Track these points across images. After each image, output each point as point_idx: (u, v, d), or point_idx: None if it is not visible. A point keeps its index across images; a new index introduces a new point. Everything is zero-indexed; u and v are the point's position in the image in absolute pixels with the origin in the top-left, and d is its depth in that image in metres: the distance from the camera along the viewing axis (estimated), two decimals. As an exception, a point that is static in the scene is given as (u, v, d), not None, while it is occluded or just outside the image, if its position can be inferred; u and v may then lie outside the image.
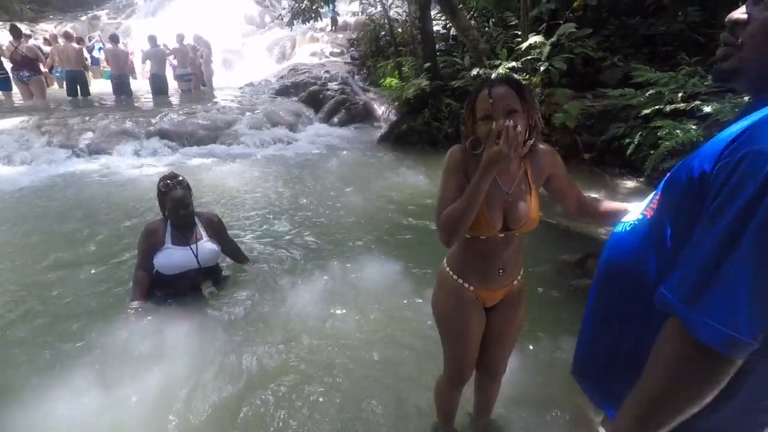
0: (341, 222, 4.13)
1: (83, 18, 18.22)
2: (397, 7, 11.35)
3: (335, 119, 9.28)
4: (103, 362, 2.24)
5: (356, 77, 11.65)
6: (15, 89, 8.48)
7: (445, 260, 1.49)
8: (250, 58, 17.10)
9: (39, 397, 2.01)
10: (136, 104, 8.72)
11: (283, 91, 10.34)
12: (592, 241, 3.51)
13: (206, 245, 2.73)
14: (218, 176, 5.70)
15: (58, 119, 6.73)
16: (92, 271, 3.15)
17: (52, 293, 2.87)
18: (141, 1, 20.35)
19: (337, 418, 1.92)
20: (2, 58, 8.21)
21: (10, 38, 8.15)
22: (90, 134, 6.44)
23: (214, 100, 9.50)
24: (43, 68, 8.65)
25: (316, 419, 1.91)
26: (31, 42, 9.30)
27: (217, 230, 2.88)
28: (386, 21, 10.57)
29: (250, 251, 3.33)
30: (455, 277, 1.43)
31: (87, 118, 6.88)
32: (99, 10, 19.67)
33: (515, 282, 1.47)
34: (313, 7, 8.89)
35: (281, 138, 7.62)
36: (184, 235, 2.69)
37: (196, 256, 2.68)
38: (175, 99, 9.62)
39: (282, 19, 10.23)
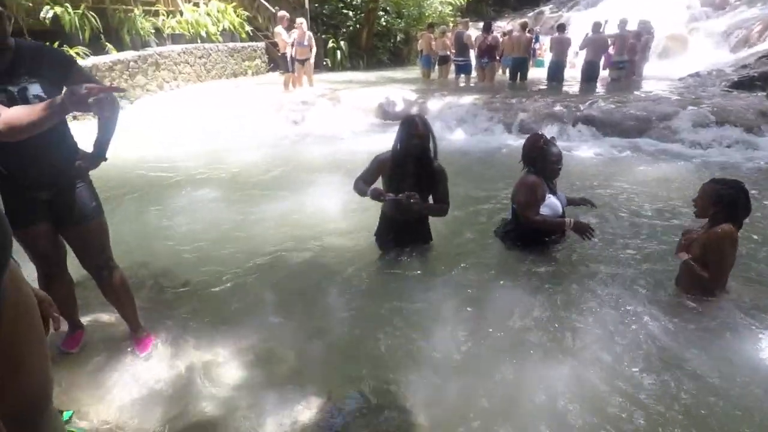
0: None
1: (530, 14, 20.34)
2: None
3: (828, 125, 6.50)
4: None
5: None
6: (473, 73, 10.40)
7: None
8: (695, 46, 14.51)
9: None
10: (565, 90, 8.96)
11: (744, 84, 8.09)
12: None
13: (562, 195, 3.01)
14: (637, 172, 5.04)
15: (502, 99, 7.69)
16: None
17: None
18: (585, -6, 20.73)
19: None
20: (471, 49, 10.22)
21: (481, 31, 9.92)
22: (523, 114, 7.03)
23: (647, 89, 8.53)
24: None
25: None
26: (492, 36, 11.03)
27: None
28: None
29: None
30: None
31: (523, 99, 7.55)
32: (544, 6, 21.41)
33: None
34: None
35: (733, 141, 5.98)
36: (550, 187, 2.92)
37: (562, 205, 2.93)
38: (602, 87, 9.27)
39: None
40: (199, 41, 10.97)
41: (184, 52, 10.33)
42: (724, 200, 2.23)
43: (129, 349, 2.12)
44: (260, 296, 2.59)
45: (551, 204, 2.85)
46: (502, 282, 2.69)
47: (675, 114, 6.53)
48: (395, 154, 2.68)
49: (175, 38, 10.54)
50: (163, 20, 10.36)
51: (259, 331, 2.30)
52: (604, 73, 9.93)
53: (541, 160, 2.85)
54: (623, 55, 9.53)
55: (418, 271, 2.85)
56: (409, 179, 2.63)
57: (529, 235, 2.97)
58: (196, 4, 11.43)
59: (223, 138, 6.85)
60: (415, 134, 2.60)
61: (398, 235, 2.97)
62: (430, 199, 2.84)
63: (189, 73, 10.48)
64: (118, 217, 3.76)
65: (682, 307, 2.38)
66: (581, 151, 5.85)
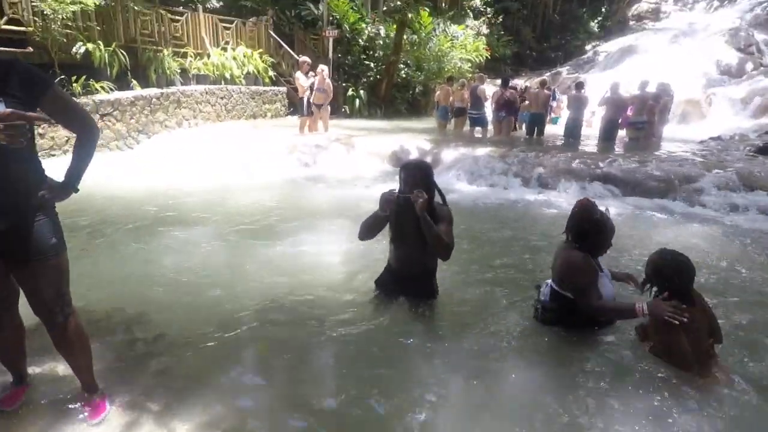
0: None
1: (547, 74, 20.77)
2: None
3: None
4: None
5: None
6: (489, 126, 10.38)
7: None
8: (714, 110, 14.50)
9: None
10: (582, 147, 8.82)
11: (770, 150, 7.86)
12: None
13: (606, 270, 2.59)
14: (664, 236, 4.72)
15: (518, 152, 7.56)
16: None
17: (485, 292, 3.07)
18: (601, 58, 21.21)
19: None
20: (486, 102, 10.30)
21: (499, 85, 10.01)
22: (540, 169, 6.85)
23: (667, 151, 8.34)
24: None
25: None
26: (510, 91, 11.12)
27: None
28: None
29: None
30: None
31: (540, 154, 7.40)
32: (561, 67, 21.91)
33: None
34: None
35: (761, 206, 5.68)
36: (598, 263, 2.52)
37: (612, 284, 2.54)
38: (619, 146, 9.12)
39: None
40: (222, 83, 11.26)
41: (206, 92, 10.58)
42: (662, 273, 2.21)
43: (78, 413, 1.82)
44: (241, 355, 2.30)
45: (604, 284, 2.44)
46: (518, 359, 2.34)
47: (700, 177, 6.27)
48: (398, 196, 2.58)
49: (200, 78, 10.84)
50: (191, 61, 10.70)
51: (235, 399, 1.98)
52: (621, 133, 9.82)
53: (594, 234, 2.42)
54: (642, 115, 9.43)
55: (422, 334, 2.54)
56: (412, 221, 2.53)
57: (582, 320, 2.47)
58: (224, 49, 11.85)
59: (233, 176, 6.76)
60: (410, 181, 2.55)
61: (401, 287, 2.81)
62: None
63: (209, 112, 10.68)
64: (102, 253, 3.56)
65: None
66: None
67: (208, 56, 11.29)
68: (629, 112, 9.70)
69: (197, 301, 2.83)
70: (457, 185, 6.79)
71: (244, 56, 12.05)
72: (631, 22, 23.90)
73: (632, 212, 5.62)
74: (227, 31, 12.11)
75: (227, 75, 11.36)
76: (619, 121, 9.55)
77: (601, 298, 2.38)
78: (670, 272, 2.18)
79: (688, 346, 2.12)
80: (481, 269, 3.53)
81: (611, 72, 17.72)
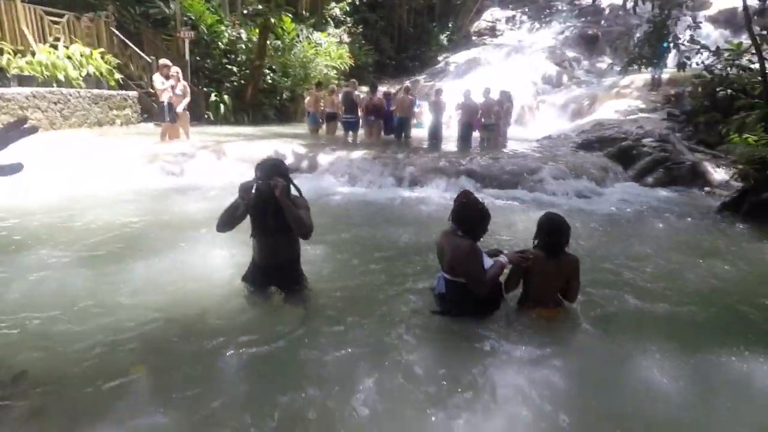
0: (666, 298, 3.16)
1: (407, 82, 22.30)
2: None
3: (649, 179, 7.99)
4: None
5: (677, 135, 9.88)
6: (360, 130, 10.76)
7: None
8: (542, 114, 17.25)
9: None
10: (445, 147, 9.69)
11: (586, 146, 9.61)
12: None
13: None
14: (522, 219, 5.51)
15: (390, 154, 7.99)
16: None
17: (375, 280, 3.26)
18: (452, 68, 23.52)
19: None
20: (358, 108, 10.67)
21: (367, 91, 10.44)
22: (411, 168, 7.35)
23: (513, 149, 9.65)
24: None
25: None
26: (377, 97, 11.68)
27: None
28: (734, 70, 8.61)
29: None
30: None
31: (410, 155, 7.94)
32: (419, 75, 23.71)
33: None
34: (654, 61, 8.40)
35: (585, 191, 6.96)
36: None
37: (490, 260, 2.81)
38: (476, 146, 10.26)
39: (612, 67, 10.14)
40: (55, 85, 9.66)
41: (34, 96, 8.96)
42: (542, 228, 2.75)
43: None
44: (124, 383, 2.05)
45: (486, 262, 2.70)
46: (414, 346, 2.51)
47: (540, 169, 7.41)
48: (258, 183, 2.56)
49: (24, 80, 9.14)
50: (9, 59, 8.96)
51: None
52: (475, 134, 11.04)
53: (479, 222, 2.69)
54: (491, 118, 10.75)
55: (311, 334, 2.56)
56: (271, 210, 2.59)
57: (481, 304, 2.75)
58: (54, 46, 10.19)
59: (80, 190, 5.87)
60: (266, 178, 2.52)
61: (268, 278, 2.82)
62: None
63: (39, 119, 9.06)
64: None
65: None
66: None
67: (33, 54, 9.60)
68: (480, 116, 10.98)
69: (57, 333, 2.42)
70: (335, 187, 6.91)
71: (82, 56, 10.52)
72: (474, 38, 26.89)
73: (491, 202, 6.37)
74: (57, 26, 10.47)
75: (61, 76, 9.79)
76: (473, 123, 10.76)
77: (485, 276, 2.66)
78: (546, 227, 2.73)
79: (516, 284, 2.82)
80: (363, 263, 3.68)
81: (460, 81, 19.75)
